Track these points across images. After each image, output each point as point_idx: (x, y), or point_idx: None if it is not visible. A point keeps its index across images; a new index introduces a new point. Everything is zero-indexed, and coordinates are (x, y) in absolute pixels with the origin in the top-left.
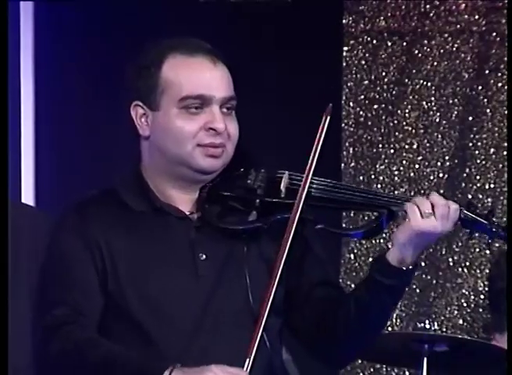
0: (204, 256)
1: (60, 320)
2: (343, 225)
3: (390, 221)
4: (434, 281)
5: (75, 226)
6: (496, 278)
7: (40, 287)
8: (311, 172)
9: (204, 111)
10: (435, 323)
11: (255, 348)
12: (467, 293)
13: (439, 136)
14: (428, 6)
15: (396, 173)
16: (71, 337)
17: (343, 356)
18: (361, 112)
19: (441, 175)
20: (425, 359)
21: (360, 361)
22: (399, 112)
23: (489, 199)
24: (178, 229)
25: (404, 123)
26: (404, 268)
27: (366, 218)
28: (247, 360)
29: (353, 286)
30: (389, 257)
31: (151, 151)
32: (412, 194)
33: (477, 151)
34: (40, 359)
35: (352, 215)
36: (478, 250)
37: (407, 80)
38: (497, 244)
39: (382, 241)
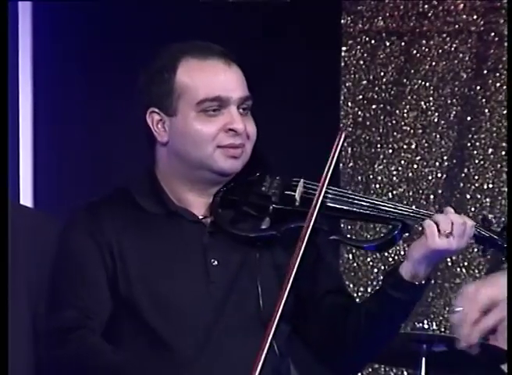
0: (216, 262)
1: (71, 323)
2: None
3: (404, 234)
4: (432, 281)
5: (86, 226)
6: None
7: (51, 288)
8: (326, 182)
9: (222, 113)
10: (434, 323)
11: (263, 356)
12: None
13: (438, 136)
14: (426, 6)
15: (394, 173)
16: (85, 341)
17: (351, 365)
18: (360, 112)
19: (439, 175)
20: (424, 359)
21: None
22: (397, 112)
23: (488, 199)
24: (191, 233)
25: (403, 123)
26: (417, 283)
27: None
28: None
29: (351, 286)
30: (403, 271)
31: (170, 157)
32: (410, 194)
33: (475, 152)
34: (51, 360)
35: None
36: (476, 250)
37: (405, 80)
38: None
39: None
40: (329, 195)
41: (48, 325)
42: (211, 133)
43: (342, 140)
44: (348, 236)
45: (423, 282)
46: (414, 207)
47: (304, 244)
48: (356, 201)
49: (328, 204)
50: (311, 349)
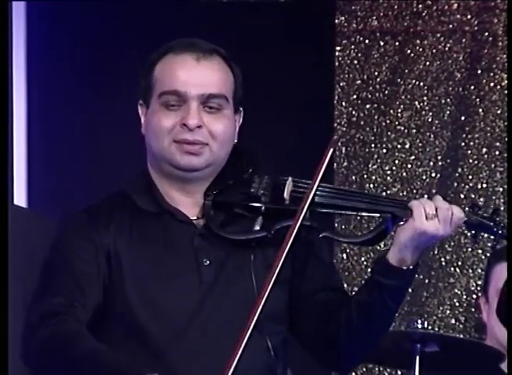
0: (208, 262)
1: (55, 308)
2: (336, 225)
3: (395, 225)
4: (426, 281)
5: (84, 227)
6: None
7: (41, 278)
8: (318, 181)
9: (181, 107)
10: (428, 323)
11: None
12: (459, 292)
13: (432, 136)
14: (420, 6)
15: (388, 172)
16: (62, 325)
17: (346, 361)
18: (354, 112)
19: (433, 175)
20: (417, 359)
21: None
22: (391, 111)
23: (482, 199)
24: (182, 234)
25: (397, 123)
26: (405, 267)
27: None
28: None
29: (345, 285)
30: (389, 257)
31: (147, 150)
32: (404, 193)
33: (469, 151)
34: (27, 342)
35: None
36: (470, 249)
37: (399, 80)
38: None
39: None
40: (318, 192)
41: (31, 313)
42: (167, 126)
43: (331, 150)
44: (338, 232)
45: (411, 267)
46: (402, 198)
47: (291, 241)
48: (344, 196)
49: (317, 200)
50: (306, 348)
